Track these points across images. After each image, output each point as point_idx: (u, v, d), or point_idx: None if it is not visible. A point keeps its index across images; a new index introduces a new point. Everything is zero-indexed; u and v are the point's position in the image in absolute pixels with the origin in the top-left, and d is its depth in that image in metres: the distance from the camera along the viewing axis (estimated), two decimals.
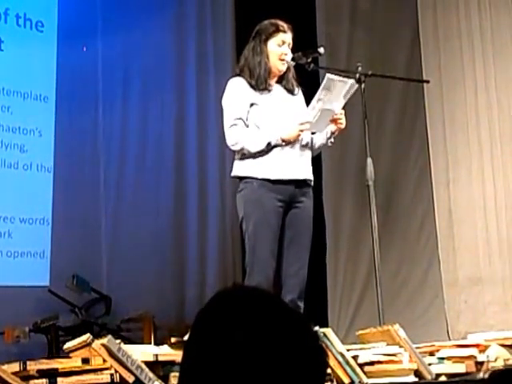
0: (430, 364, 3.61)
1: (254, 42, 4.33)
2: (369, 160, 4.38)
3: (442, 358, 3.63)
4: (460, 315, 6.34)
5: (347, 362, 3.46)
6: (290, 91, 4.38)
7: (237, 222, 4.86)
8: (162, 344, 3.67)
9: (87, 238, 7.08)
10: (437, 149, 6.63)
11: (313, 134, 4.33)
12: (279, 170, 4.19)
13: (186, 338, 3.69)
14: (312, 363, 1.28)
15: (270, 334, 1.26)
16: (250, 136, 4.19)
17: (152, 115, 7.59)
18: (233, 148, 4.25)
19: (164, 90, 7.61)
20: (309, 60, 4.36)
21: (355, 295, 6.84)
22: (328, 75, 4.18)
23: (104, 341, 3.25)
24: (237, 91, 4.27)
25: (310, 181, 4.33)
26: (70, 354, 3.36)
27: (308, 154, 4.33)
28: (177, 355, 3.43)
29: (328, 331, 3.51)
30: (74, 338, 3.58)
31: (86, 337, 3.30)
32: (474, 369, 3.60)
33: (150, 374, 3.26)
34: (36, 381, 3.27)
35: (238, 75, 4.32)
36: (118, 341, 3.34)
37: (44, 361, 3.41)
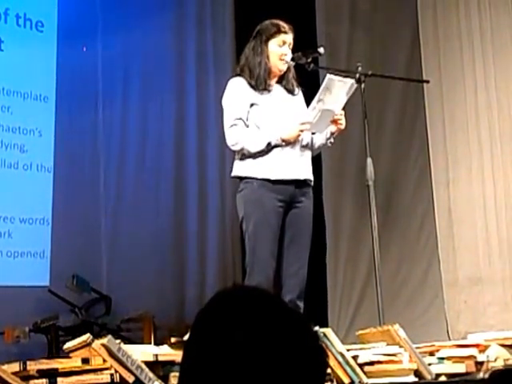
0: (429, 364, 3.61)
1: (254, 42, 4.33)
2: (369, 160, 4.38)
3: (442, 358, 3.63)
4: (460, 315, 6.34)
5: (347, 362, 3.46)
6: (290, 91, 4.38)
7: (237, 222, 4.86)
8: (161, 344, 3.67)
9: (87, 238, 7.08)
10: (437, 149, 6.63)
11: (313, 134, 4.33)
12: (279, 170, 4.19)
13: (185, 337, 3.68)
14: (312, 363, 1.28)
15: (270, 334, 1.26)
16: (250, 136, 4.19)
17: (152, 115, 7.59)
18: (233, 148, 4.25)
19: (164, 90, 7.61)
20: (309, 60, 4.36)
21: (355, 295, 6.84)
22: (328, 75, 4.18)
23: (104, 341, 3.25)
24: (237, 91, 4.27)
25: (310, 181, 4.33)
26: (70, 354, 3.36)
27: (308, 154, 4.33)
28: (177, 355, 3.43)
29: (328, 331, 3.51)
30: (73, 337, 3.58)
31: (86, 337, 3.30)
32: (473, 369, 3.60)
33: (150, 374, 3.26)
34: (36, 381, 3.27)
35: (238, 75, 4.32)
36: (118, 341, 3.34)
37: (44, 361, 3.41)
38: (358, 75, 4.35)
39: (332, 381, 3.46)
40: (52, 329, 6.33)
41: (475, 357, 3.62)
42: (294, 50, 4.33)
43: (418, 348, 3.65)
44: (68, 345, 3.39)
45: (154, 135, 7.59)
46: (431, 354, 3.69)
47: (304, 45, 4.46)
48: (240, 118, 4.21)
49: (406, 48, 6.95)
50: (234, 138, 4.20)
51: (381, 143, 6.77)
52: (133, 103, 7.52)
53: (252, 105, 4.23)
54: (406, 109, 6.96)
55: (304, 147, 4.30)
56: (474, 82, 6.47)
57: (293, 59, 4.32)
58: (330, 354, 3.36)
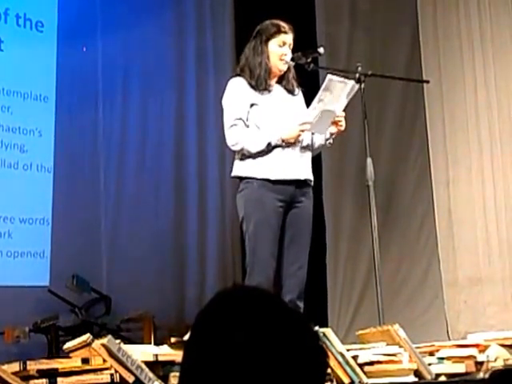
0: (429, 364, 3.61)
1: (254, 42, 4.33)
2: (369, 160, 4.38)
3: (442, 358, 3.63)
4: (460, 315, 6.34)
5: (347, 362, 3.46)
6: (290, 91, 4.38)
7: (237, 222, 4.86)
8: (161, 344, 3.67)
9: (87, 237, 7.08)
10: (437, 148, 6.63)
11: (312, 134, 4.33)
12: (280, 171, 4.20)
13: (185, 337, 3.68)
14: (312, 363, 1.28)
15: (271, 334, 1.26)
16: (250, 136, 4.19)
17: (152, 115, 7.59)
18: (233, 148, 4.25)
19: (164, 90, 7.61)
20: (308, 60, 4.36)
21: (355, 295, 6.84)
22: (329, 76, 4.17)
23: (104, 341, 3.25)
24: (237, 91, 4.27)
25: (310, 181, 4.34)
26: (70, 354, 3.36)
27: (308, 155, 4.33)
28: (177, 355, 3.43)
29: (328, 331, 3.51)
30: (73, 337, 3.58)
31: (86, 337, 3.30)
32: (473, 369, 3.60)
33: (150, 374, 3.26)
34: (36, 381, 3.27)
35: (238, 75, 4.32)
36: (118, 341, 3.34)
37: (44, 361, 3.41)
38: (357, 75, 4.35)
39: (332, 381, 3.46)
40: (52, 329, 6.33)
41: (475, 357, 3.62)
42: (293, 50, 4.33)
43: (417, 348, 3.65)
44: (68, 345, 3.39)
45: (154, 135, 7.59)
46: (431, 354, 3.69)
47: (304, 45, 4.46)
48: (240, 118, 4.21)
49: (406, 48, 6.95)
50: (234, 138, 4.20)
51: (381, 143, 6.77)
52: (133, 103, 7.52)
53: (252, 105, 4.23)
54: (405, 109, 6.96)
55: (304, 148, 4.30)
56: (474, 81, 6.47)
57: (293, 59, 4.32)
58: (329, 353, 3.36)
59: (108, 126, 7.41)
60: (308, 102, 4.31)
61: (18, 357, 4.17)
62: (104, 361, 3.24)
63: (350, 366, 3.46)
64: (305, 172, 4.29)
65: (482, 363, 3.63)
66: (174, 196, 7.53)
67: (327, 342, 3.44)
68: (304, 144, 4.29)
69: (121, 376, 3.22)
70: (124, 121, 7.50)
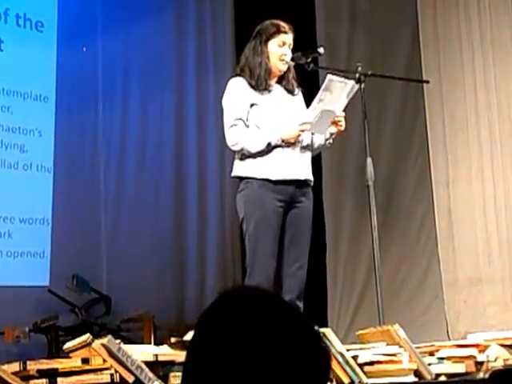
0: (429, 364, 3.61)
1: (254, 42, 4.33)
2: (369, 160, 4.38)
3: (442, 358, 3.63)
4: (460, 315, 6.34)
5: (347, 362, 3.46)
6: (290, 92, 4.38)
7: (236, 222, 4.87)
8: (161, 344, 3.67)
9: (87, 238, 7.09)
10: (437, 148, 6.63)
11: (312, 134, 4.33)
12: (280, 171, 4.20)
13: (185, 337, 3.69)
14: (315, 364, 1.28)
15: (272, 335, 1.26)
16: (250, 136, 4.19)
17: (152, 115, 7.59)
18: (233, 148, 4.25)
19: (164, 90, 7.62)
20: (308, 60, 4.36)
21: (355, 295, 6.84)
22: (329, 76, 4.17)
23: (104, 341, 3.25)
24: (237, 91, 4.27)
25: (310, 181, 4.34)
26: (70, 354, 3.36)
27: (308, 155, 4.34)
28: (177, 355, 3.43)
29: (328, 331, 3.51)
30: (73, 337, 3.58)
31: (86, 337, 3.30)
32: (473, 369, 3.60)
33: (150, 374, 3.26)
34: (36, 381, 3.27)
35: (238, 75, 4.32)
36: (118, 341, 3.34)
37: (44, 361, 3.41)
38: (357, 75, 4.35)
39: (332, 381, 3.46)
40: (52, 329, 6.33)
41: (475, 357, 3.62)
42: (293, 50, 4.33)
43: (417, 348, 3.65)
44: (68, 345, 3.39)
45: (154, 135, 7.59)
46: (431, 354, 3.70)
47: (304, 45, 4.46)
48: (240, 118, 4.21)
49: (406, 48, 6.95)
50: (234, 138, 4.20)
51: (381, 143, 6.77)
52: (133, 103, 7.52)
53: (252, 105, 4.23)
54: (405, 109, 6.96)
55: (304, 148, 4.30)
56: (474, 82, 6.47)
57: (293, 59, 4.32)
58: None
59: (108, 126, 7.41)
60: (308, 102, 4.31)
61: (18, 357, 4.17)
62: (104, 361, 3.24)
63: (350, 366, 3.46)
64: (305, 172, 4.29)
65: (481, 363, 3.63)
66: (174, 196, 7.53)
67: (327, 341, 3.44)
68: (304, 144, 4.29)
69: (121, 376, 3.22)
70: (124, 121, 7.50)
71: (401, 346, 3.55)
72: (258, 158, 4.20)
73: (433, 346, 3.76)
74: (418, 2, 6.80)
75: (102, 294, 6.90)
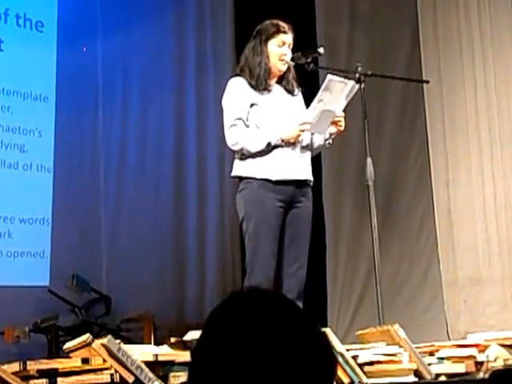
0: (429, 364, 3.61)
1: (254, 42, 4.33)
2: (369, 160, 4.38)
3: (442, 358, 3.63)
4: (460, 315, 6.34)
5: (347, 362, 3.46)
6: (290, 92, 4.38)
7: (236, 222, 4.87)
8: (161, 344, 3.67)
9: (87, 238, 7.09)
10: (437, 149, 6.63)
11: (312, 134, 4.33)
12: (280, 171, 4.20)
13: (185, 337, 3.68)
14: (322, 367, 1.28)
15: (274, 337, 1.25)
16: (249, 136, 4.19)
17: (152, 115, 7.59)
18: (233, 148, 4.25)
19: (164, 90, 7.61)
20: (308, 60, 4.36)
21: (355, 295, 6.84)
22: (329, 76, 4.17)
23: (104, 341, 3.25)
24: (237, 91, 4.27)
25: (310, 181, 4.34)
26: (70, 354, 3.36)
27: (308, 155, 4.34)
28: (176, 355, 3.43)
29: (327, 331, 3.51)
30: (73, 338, 3.58)
31: (86, 337, 3.30)
32: (473, 369, 3.60)
33: (150, 374, 3.26)
34: (36, 381, 3.27)
35: (238, 75, 4.32)
36: (118, 341, 3.34)
37: (44, 361, 3.41)
38: (357, 75, 4.35)
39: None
40: (52, 329, 6.33)
41: (475, 357, 3.62)
42: (293, 50, 4.33)
43: (417, 348, 3.65)
44: (68, 345, 3.39)
45: (154, 135, 7.59)
46: (431, 354, 3.70)
47: (304, 45, 4.46)
48: (240, 118, 4.21)
49: (406, 48, 6.95)
50: (234, 137, 4.20)
51: (381, 143, 6.77)
52: (133, 103, 7.52)
53: (252, 105, 4.23)
54: (406, 109, 6.96)
55: (304, 148, 4.30)
56: (474, 82, 6.47)
57: (292, 59, 4.32)
58: None
59: (108, 126, 7.41)
60: (308, 102, 4.31)
61: (18, 357, 4.17)
62: (104, 361, 3.24)
63: (350, 366, 3.46)
64: (305, 172, 4.29)
65: (481, 363, 3.63)
66: (174, 196, 7.53)
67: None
68: (304, 144, 4.29)
69: (121, 376, 3.22)
70: (124, 121, 7.50)
71: (401, 346, 3.55)
72: (258, 158, 4.20)
73: (433, 345, 3.76)
74: (418, 2, 6.79)
75: (101, 294, 6.90)
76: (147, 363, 3.33)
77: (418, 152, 6.83)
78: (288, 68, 4.34)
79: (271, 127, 4.20)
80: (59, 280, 6.66)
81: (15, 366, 3.28)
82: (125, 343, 3.43)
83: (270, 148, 4.19)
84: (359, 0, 7.21)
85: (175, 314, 7.19)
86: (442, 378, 3.61)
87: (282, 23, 4.32)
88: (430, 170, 6.64)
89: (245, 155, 4.22)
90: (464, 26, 6.56)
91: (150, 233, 7.31)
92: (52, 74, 7.08)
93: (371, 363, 3.52)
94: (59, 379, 3.26)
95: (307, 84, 4.51)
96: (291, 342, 1.26)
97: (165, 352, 3.50)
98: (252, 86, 4.26)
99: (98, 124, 7.38)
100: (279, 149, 4.20)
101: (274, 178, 4.18)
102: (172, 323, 6.79)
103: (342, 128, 4.28)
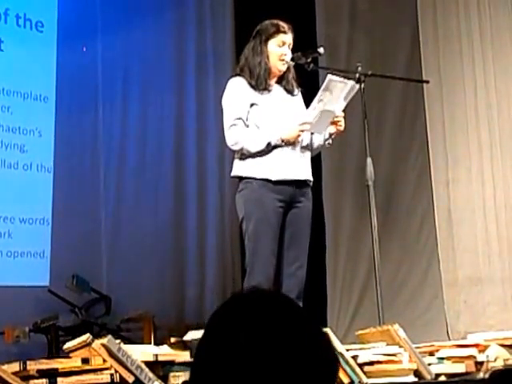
0: (429, 364, 3.61)
1: (254, 42, 4.33)
2: (368, 160, 4.38)
3: (442, 358, 3.63)
4: (460, 315, 6.34)
5: (347, 362, 3.46)
6: (290, 92, 4.38)
7: (236, 222, 4.86)
8: (161, 344, 3.67)
9: (87, 237, 7.09)
10: (436, 149, 6.63)
11: (312, 134, 4.33)
12: (280, 171, 4.20)
13: (185, 337, 3.68)
14: (322, 371, 1.28)
15: (274, 337, 1.25)
16: (249, 136, 4.19)
17: (152, 115, 7.59)
18: (233, 148, 4.25)
19: (164, 90, 7.61)
20: (308, 60, 4.36)
21: (355, 295, 6.84)
22: (329, 76, 4.17)
23: (104, 341, 3.25)
24: (237, 91, 4.27)
25: (310, 181, 4.34)
26: (70, 354, 3.36)
27: (308, 155, 4.34)
28: (176, 355, 3.43)
29: (327, 331, 3.51)
30: (73, 337, 3.58)
31: (86, 337, 3.30)
32: (473, 369, 3.60)
33: (150, 374, 3.26)
34: (36, 381, 3.27)
35: (238, 75, 4.32)
36: (118, 341, 3.34)
37: (44, 361, 3.41)
38: (357, 75, 4.35)
39: None
40: (52, 329, 6.33)
41: (475, 357, 3.62)
42: (293, 50, 4.33)
43: (417, 348, 3.65)
44: (68, 345, 3.39)
45: (154, 135, 7.59)
46: (431, 354, 3.70)
47: (304, 45, 4.46)
48: (240, 118, 4.21)
49: (406, 48, 6.95)
50: (234, 137, 4.20)
51: (381, 143, 6.77)
52: (133, 103, 7.52)
53: (252, 105, 4.23)
54: (405, 109, 6.95)
55: (304, 148, 4.30)
56: (474, 82, 6.47)
57: (292, 59, 4.32)
58: None
59: (108, 126, 7.42)
60: (308, 102, 4.31)
61: (18, 357, 4.17)
62: (104, 361, 3.24)
63: (350, 366, 3.46)
64: (305, 172, 4.29)
65: (481, 363, 3.63)
66: (174, 196, 7.53)
67: None
68: (304, 144, 4.29)
69: (121, 376, 3.22)
70: (124, 121, 7.50)
71: (401, 346, 3.55)
72: (258, 158, 4.20)
73: (433, 346, 3.76)
74: (418, 2, 6.79)
75: (101, 294, 6.90)
76: (147, 363, 3.33)
77: (418, 152, 6.83)
78: (288, 68, 4.34)
79: (271, 127, 4.20)
80: (59, 280, 6.66)
81: (15, 366, 3.29)
82: (125, 343, 3.43)
83: (269, 148, 4.19)
84: (359, 0, 7.21)
85: (175, 314, 7.19)
86: (442, 378, 3.61)
87: (281, 23, 4.32)
88: (430, 170, 6.64)
89: (245, 155, 4.22)
90: (464, 26, 6.55)
91: (150, 233, 7.31)
92: (52, 74, 7.08)
93: (371, 363, 3.52)
94: (59, 379, 3.26)
95: (307, 84, 4.51)
96: (293, 342, 1.26)
97: (165, 352, 3.50)
98: (252, 86, 4.26)
99: (98, 124, 7.38)
100: (279, 149, 4.20)
101: (273, 178, 4.18)
102: (172, 323, 6.79)
103: (342, 128, 4.28)
